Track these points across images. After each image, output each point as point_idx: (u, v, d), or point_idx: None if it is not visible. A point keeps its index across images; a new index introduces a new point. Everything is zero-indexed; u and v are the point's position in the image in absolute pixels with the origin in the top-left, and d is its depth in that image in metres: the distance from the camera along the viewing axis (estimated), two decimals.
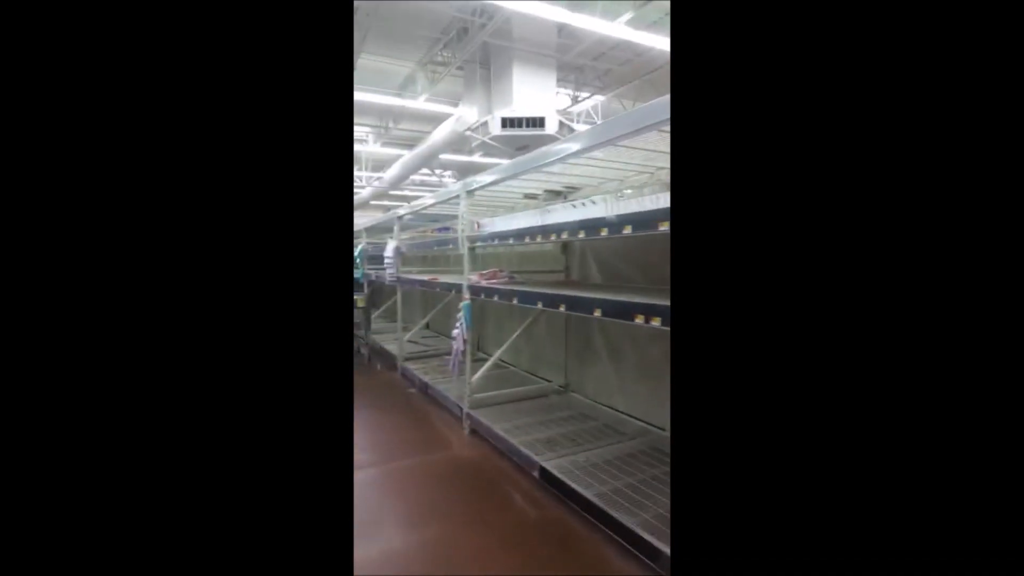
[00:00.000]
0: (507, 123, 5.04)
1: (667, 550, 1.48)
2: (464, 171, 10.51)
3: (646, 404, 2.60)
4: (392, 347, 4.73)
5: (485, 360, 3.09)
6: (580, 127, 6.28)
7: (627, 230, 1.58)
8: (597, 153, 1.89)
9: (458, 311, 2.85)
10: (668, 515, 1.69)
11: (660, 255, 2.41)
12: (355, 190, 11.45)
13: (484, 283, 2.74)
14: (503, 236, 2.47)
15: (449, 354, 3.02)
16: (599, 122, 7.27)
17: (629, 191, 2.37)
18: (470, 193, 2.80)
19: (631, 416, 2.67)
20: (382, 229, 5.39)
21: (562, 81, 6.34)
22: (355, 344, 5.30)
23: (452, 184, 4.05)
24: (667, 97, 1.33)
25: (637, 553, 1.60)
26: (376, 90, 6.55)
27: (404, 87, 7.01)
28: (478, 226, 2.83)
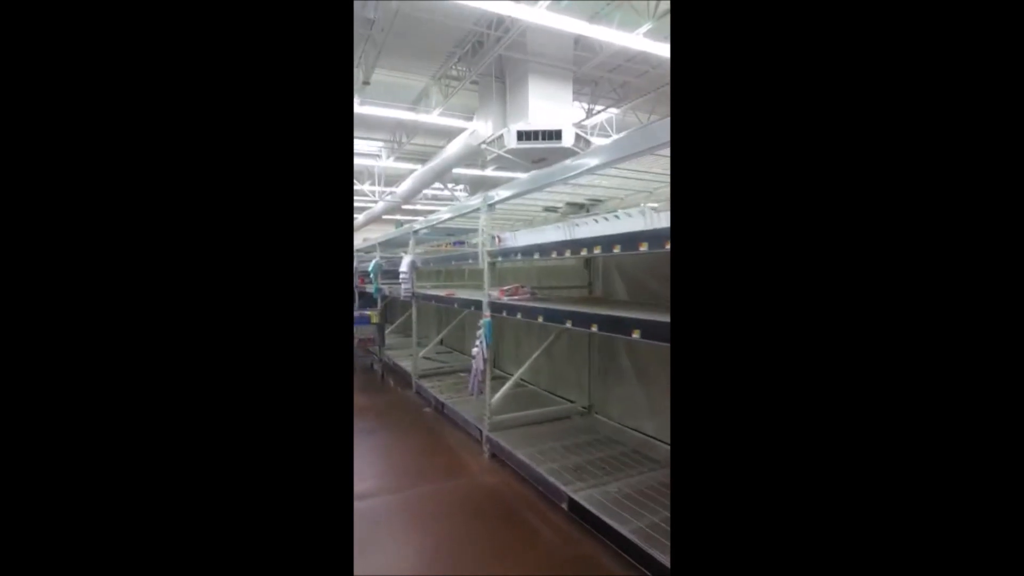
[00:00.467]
0: (523, 136, 4.99)
1: None
2: (477, 185, 10.51)
3: None
4: (406, 363, 4.63)
5: (503, 379, 2.97)
6: (597, 140, 6.22)
7: (669, 245, 1.46)
8: (626, 164, 1.79)
9: (478, 328, 2.73)
10: None
11: None
12: (368, 204, 11.51)
13: (506, 300, 2.63)
14: (528, 251, 2.36)
15: (464, 371, 2.91)
16: (614, 136, 7.22)
17: (655, 204, 2.26)
18: (491, 207, 2.71)
19: (661, 441, 2.51)
20: (396, 244, 5.33)
21: (577, 94, 6.30)
22: (369, 361, 5.21)
23: (465, 197, 3.97)
24: None
25: None
26: (390, 104, 6.57)
27: (418, 101, 7.03)
28: (498, 240, 2.73)
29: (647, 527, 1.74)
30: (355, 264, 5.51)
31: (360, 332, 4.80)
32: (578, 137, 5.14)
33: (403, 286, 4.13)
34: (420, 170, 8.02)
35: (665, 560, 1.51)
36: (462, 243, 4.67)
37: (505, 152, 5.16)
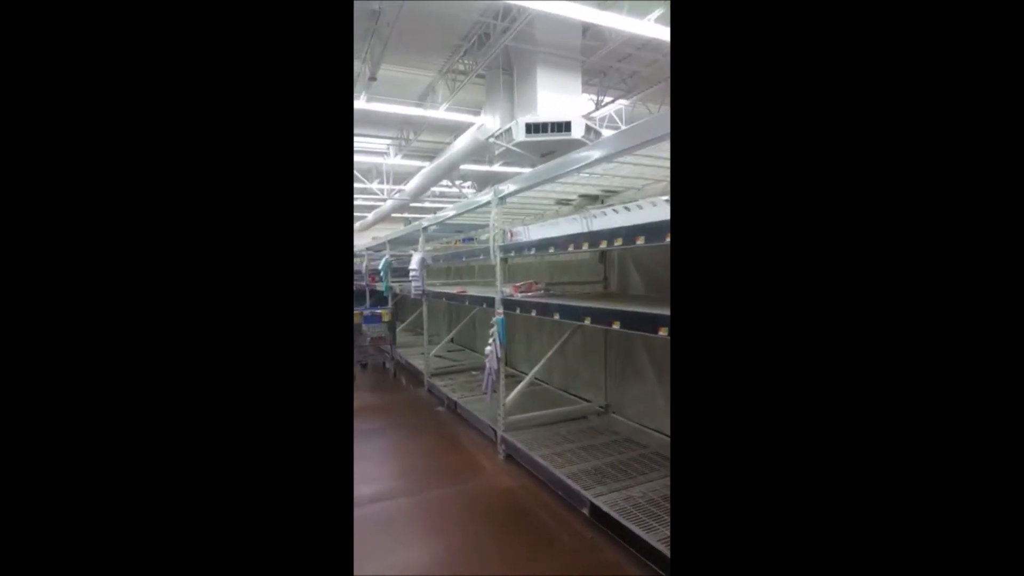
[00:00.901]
0: (531, 128, 4.89)
1: None
2: (484, 181, 10.42)
3: None
4: (417, 362, 4.57)
5: (515, 377, 2.88)
6: (607, 132, 6.09)
7: None
8: (644, 151, 1.69)
9: (490, 326, 2.65)
10: None
11: None
12: (377, 203, 11.49)
13: (519, 296, 2.54)
14: (543, 245, 2.26)
15: (476, 369, 2.83)
16: (624, 127, 7.08)
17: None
18: (502, 200, 2.62)
19: None
20: (405, 241, 5.27)
21: (585, 85, 6.16)
22: (381, 359, 5.17)
23: (473, 194, 3.87)
24: None
25: None
26: (397, 100, 6.50)
27: (424, 97, 6.95)
28: (511, 235, 2.64)
29: None
30: (365, 263, 5.47)
31: (372, 331, 4.80)
32: (588, 129, 5.02)
33: (413, 284, 4.07)
34: (428, 167, 7.96)
35: None
36: (471, 239, 4.59)
37: (513, 146, 5.06)
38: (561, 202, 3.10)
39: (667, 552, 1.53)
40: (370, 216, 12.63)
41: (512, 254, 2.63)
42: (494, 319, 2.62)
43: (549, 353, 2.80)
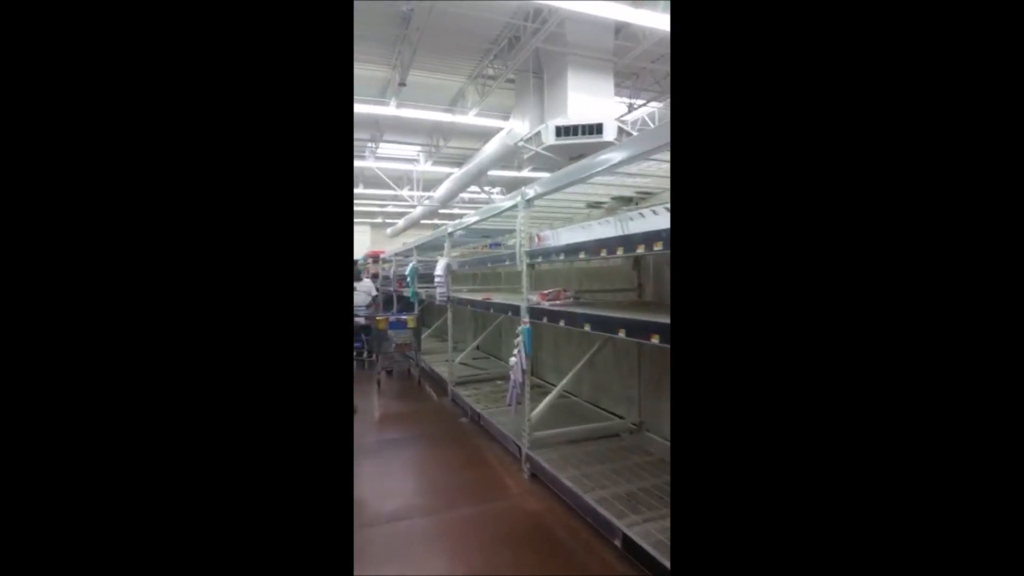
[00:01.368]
0: (562, 132, 4.75)
1: None
2: (512, 187, 10.35)
3: None
4: (442, 369, 4.48)
5: (541, 388, 2.72)
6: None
7: None
8: None
9: (516, 336, 2.51)
10: None
11: None
12: (407, 209, 11.60)
13: (547, 304, 2.39)
14: (572, 250, 2.11)
15: (500, 379, 2.70)
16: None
17: None
18: (529, 203, 2.48)
19: None
20: (432, 247, 5.22)
21: (617, 88, 5.99)
22: (406, 366, 5.12)
23: (502, 200, 3.76)
24: None
25: None
26: (427, 107, 6.51)
27: (454, 103, 6.94)
28: (538, 239, 2.50)
29: None
30: (393, 268, 5.46)
31: (397, 337, 4.77)
32: (620, 131, 4.84)
33: (438, 290, 3.99)
34: (457, 173, 7.95)
35: None
36: (498, 244, 4.49)
37: (543, 149, 4.94)
38: (592, 205, 2.94)
39: None
40: (401, 222, 12.78)
41: (539, 260, 2.49)
42: (519, 328, 2.48)
43: (577, 367, 2.63)
